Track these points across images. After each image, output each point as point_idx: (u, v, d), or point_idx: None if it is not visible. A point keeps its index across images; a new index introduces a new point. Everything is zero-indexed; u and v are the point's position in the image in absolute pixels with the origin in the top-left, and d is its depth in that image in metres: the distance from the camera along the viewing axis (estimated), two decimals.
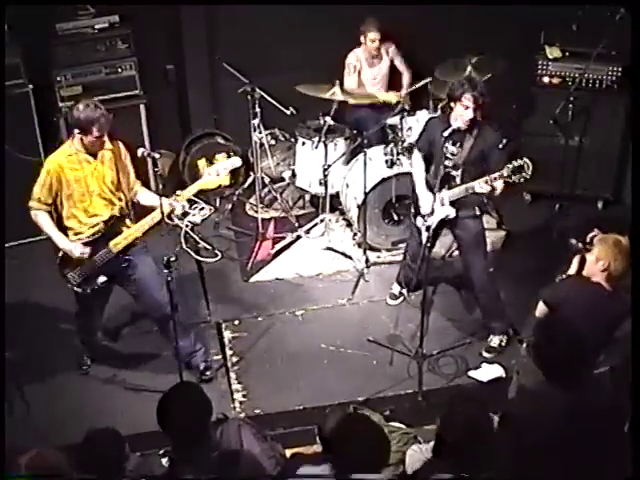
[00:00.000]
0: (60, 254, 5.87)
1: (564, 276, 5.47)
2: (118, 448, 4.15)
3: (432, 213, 6.12)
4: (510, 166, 5.84)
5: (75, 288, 5.93)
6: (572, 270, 5.44)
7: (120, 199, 5.93)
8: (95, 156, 5.77)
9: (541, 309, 5.40)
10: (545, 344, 4.48)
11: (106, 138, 5.72)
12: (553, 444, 4.24)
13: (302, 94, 7.52)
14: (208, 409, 4.26)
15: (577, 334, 4.46)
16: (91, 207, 5.83)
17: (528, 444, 4.30)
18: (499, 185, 5.97)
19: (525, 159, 5.84)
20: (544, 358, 4.46)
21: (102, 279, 5.89)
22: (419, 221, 6.38)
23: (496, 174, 5.90)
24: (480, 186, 5.98)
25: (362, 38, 7.90)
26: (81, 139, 5.68)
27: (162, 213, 5.61)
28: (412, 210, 6.53)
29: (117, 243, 5.87)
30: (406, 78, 8.24)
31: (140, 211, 6.06)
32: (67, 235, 5.84)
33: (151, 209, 5.94)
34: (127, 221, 5.97)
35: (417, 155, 6.46)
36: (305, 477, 4.19)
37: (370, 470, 3.94)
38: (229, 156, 8.33)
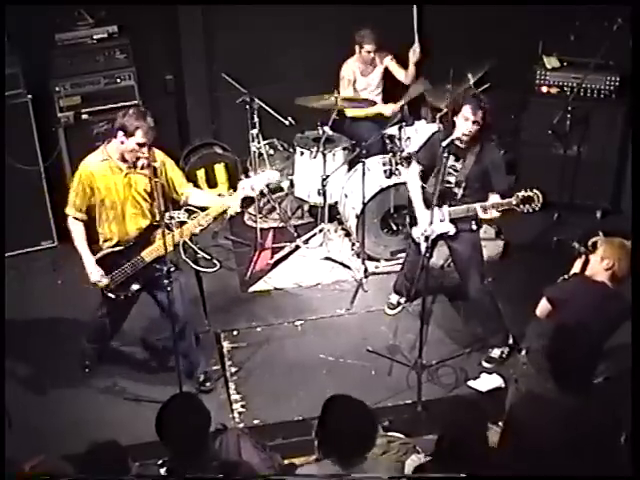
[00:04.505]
0: (96, 258, 5.83)
1: (567, 276, 5.53)
2: (121, 460, 4.13)
3: (431, 223, 6.10)
4: (520, 195, 5.87)
5: (109, 294, 5.90)
6: (574, 271, 5.50)
7: (152, 208, 5.85)
8: (127, 163, 5.71)
9: (543, 307, 5.44)
10: (565, 349, 4.47)
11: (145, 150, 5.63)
12: (552, 449, 4.25)
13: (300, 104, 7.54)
14: (207, 419, 4.25)
15: (594, 338, 4.49)
16: (122, 215, 5.80)
17: (528, 449, 4.30)
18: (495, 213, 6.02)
19: (536, 191, 5.87)
20: (562, 363, 4.45)
21: (135, 287, 5.90)
22: (415, 231, 6.40)
23: (505, 201, 5.94)
24: (486, 212, 5.98)
25: (357, 48, 7.92)
26: (120, 143, 5.61)
27: (169, 237, 5.59)
28: (407, 220, 6.54)
29: (150, 252, 5.85)
30: (405, 77, 8.13)
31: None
32: (99, 239, 5.85)
33: (205, 209, 5.91)
34: (160, 231, 5.78)
35: (414, 168, 6.46)
36: (305, 477, 4.21)
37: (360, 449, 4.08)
38: (227, 167, 8.36)
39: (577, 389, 4.33)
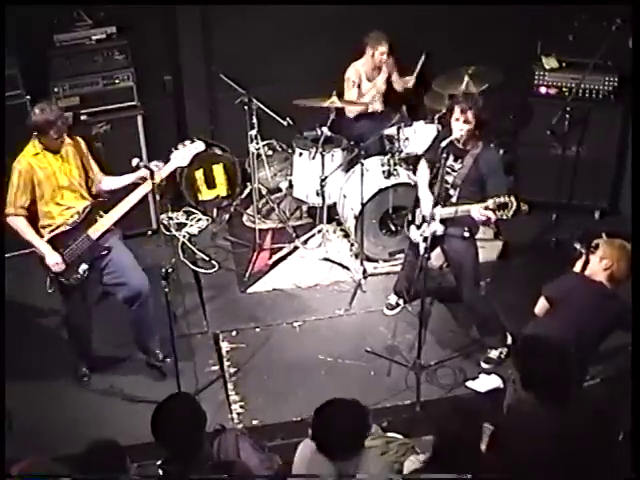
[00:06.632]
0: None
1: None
2: (119, 461, 4.14)
3: (428, 223, 6.08)
4: (497, 200, 5.79)
5: (60, 278, 6.00)
6: (575, 270, 5.52)
7: (90, 191, 6.13)
8: (58, 152, 5.95)
9: (541, 305, 5.46)
10: (528, 363, 4.49)
11: (65, 136, 5.93)
12: (542, 456, 4.25)
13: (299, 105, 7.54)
14: (201, 420, 4.25)
15: (560, 350, 4.47)
16: (63, 200, 5.99)
17: (517, 455, 4.31)
18: (491, 215, 5.88)
19: (512, 198, 5.77)
20: (528, 377, 4.46)
21: (84, 267, 6.02)
22: (412, 231, 6.41)
23: (483, 204, 5.88)
24: (478, 213, 5.90)
25: (369, 51, 7.87)
26: (39, 139, 5.87)
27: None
28: (406, 220, 6.55)
29: (95, 230, 6.02)
30: (398, 86, 8.24)
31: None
32: (43, 234, 5.98)
33: (122, 191, 6.18)
34: (100, 211, 6.12)
35: (423, 164, 6.49)
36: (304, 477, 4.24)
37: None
38: (225, 167, 8.36)
39: (555, 402, 4.33)
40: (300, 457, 4.49)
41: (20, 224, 5.96)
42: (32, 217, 5.99)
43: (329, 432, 4.22)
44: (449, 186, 6.15)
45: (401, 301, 7.06)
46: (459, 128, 5.97)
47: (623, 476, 4.20)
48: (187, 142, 6.29)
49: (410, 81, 8.22)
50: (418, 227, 6.40)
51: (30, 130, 5.87)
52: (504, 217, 5.83)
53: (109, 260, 6.11)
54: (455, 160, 6.11)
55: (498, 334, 6.53)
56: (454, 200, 6.16)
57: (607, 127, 7.80)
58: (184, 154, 6.26)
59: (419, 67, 8.14)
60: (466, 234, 6.25)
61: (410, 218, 6.51)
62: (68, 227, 5.99)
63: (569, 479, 4.26)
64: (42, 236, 5.98)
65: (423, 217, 6.26)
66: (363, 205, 7.19)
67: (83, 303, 6.25)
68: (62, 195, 5.98)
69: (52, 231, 5.99)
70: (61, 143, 5.92)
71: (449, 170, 6.12)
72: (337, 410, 4.30)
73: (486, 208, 5.85)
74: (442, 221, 6.13)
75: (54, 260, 5.91)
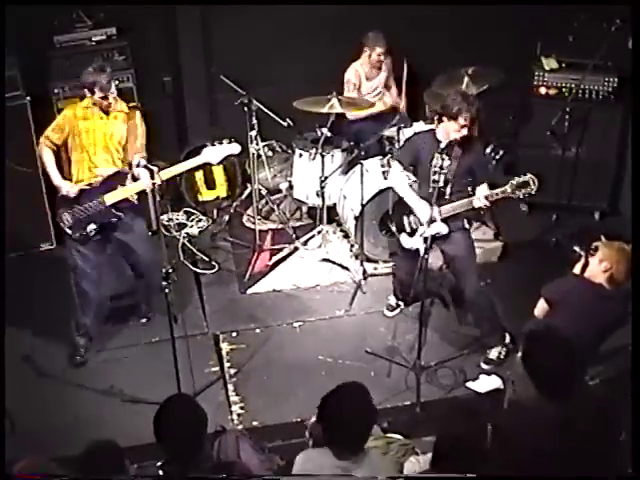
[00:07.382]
0: (59, 194, 6.31)
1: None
2: (119, 461, 4.14)
3: (429, 224, 6.08)
4: (514, 182, 5.88)
5: (67, 229, 6.26)
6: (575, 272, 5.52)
7: (123, 160, 6.35)
8: (107, 113, 6.28)
9: (541, 307, 5.46)
10: (536, 353, 4.49)
11: (112, 100, 6.25)
12: (543, 455, 4.25)
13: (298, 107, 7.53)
14: (202, 421, 4.25)
15: (568, 343, 4.47)
16: (94, 158, 6.27)
17: (519, 455, 4.30)
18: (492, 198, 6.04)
19: (530, 175, 5.87)
20: (534, 367, 4.46)
21: (92, 227, 6.22)
22: (404, 239, 6.40)
23: (499, 190, 5.94)
24: (481, 202, 6.02)
25: (367, 51, 7.86)
26: (90, 97, 6.21)
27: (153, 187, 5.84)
28: (394, 227, 6.55)
29: (111, 196, 6.21)
30: (391, 96, 8.22)
31: None
32: (70, 180, 6.31)
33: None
34: (125, 181, 6.29)
35: (397, 168, 6.45)
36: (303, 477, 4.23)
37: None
38: (225, 168, 8.36)
39: (554, 394, 4.33)
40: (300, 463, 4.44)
41: (45, 154, 6.32)
42: (68, 163, 6.43)
43: (340, 415, 4.21)
44: (441, 184, 6.14)
45: (401, 303, 7.06)
46: (464, 133, 5.97)
47: (623, 474, 4.20)
48: (225, 141, 6.35)
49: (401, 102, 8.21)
50: (410, 235, 6.40)
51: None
52: (526, 195, 5.93)
53: (122, 238, 6.40)
54: (442, 158, 6.10)
55: (498, 332, 6.53)
56: (447, 196, 6.16)
57: (607, 128, 7.80)
58: (217, 152, 6.32)
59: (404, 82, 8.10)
60: (466, 225, 6.28)
61: (396, 227, 6.52)
62: (88, 187, 6.24)
63: (570, 477, 4.25)
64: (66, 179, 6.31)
65: (419, 222, 6.27)
66: (363, 206, 7.19)
67: (89, 264, 6.38)
68: (95, 152, 6.27)
69: (77, 182, 6.28)
70: (108, 105, 6.21)
71: (437, 169, 6.10)
72: (347, 392, 4.36)
73: (503, 192, 5.93)
74: (444, 220, 6.13)
75: (67, 187, 6.22)
